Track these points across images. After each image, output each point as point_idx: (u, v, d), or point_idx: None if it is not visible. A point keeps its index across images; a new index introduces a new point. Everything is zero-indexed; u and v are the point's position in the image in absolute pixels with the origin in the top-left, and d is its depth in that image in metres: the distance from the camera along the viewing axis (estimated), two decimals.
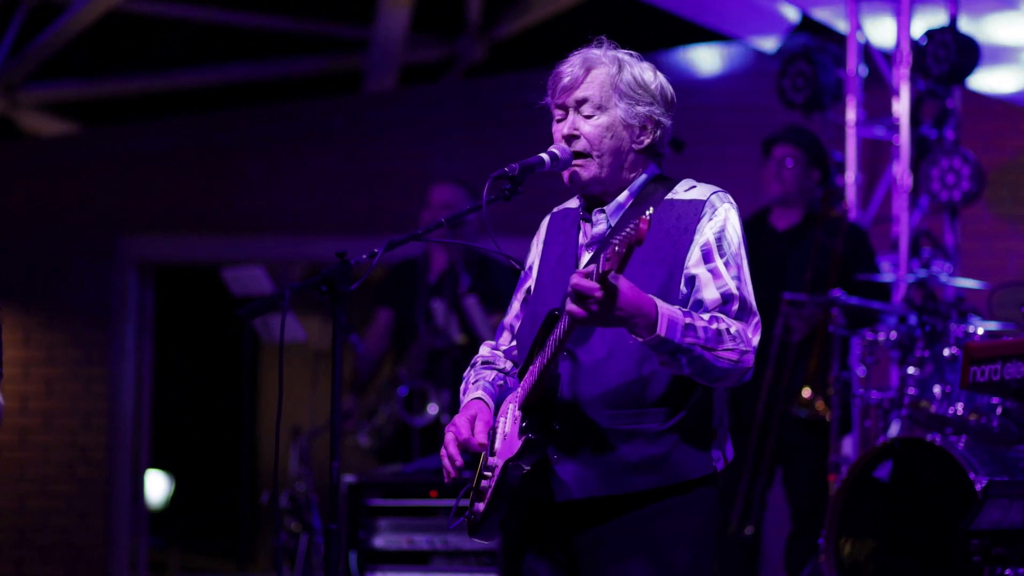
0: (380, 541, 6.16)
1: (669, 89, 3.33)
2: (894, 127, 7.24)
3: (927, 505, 5.26)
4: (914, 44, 7.11)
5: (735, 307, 3.18)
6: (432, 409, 6.95)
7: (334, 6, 10.44)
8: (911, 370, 5.68)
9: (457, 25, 10.17)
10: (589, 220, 3.34)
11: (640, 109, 3.28)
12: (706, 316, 3.13)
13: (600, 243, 3.30)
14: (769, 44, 8.51)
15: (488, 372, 3.46)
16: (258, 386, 11.09)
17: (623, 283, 2.97)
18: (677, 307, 3.11)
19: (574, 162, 3.29)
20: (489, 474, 3.29)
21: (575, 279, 2.97)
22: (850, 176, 7.23)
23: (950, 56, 6.94)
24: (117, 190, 9.04)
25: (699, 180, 3.32)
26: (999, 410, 5.33)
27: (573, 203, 3.44)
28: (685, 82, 8.41)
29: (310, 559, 6.80)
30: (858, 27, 7.35)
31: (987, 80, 7.99)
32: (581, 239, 3.35)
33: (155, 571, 9.90)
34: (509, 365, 3.48)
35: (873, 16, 7.41)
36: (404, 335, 7.18)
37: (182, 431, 11.11)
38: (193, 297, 10.59)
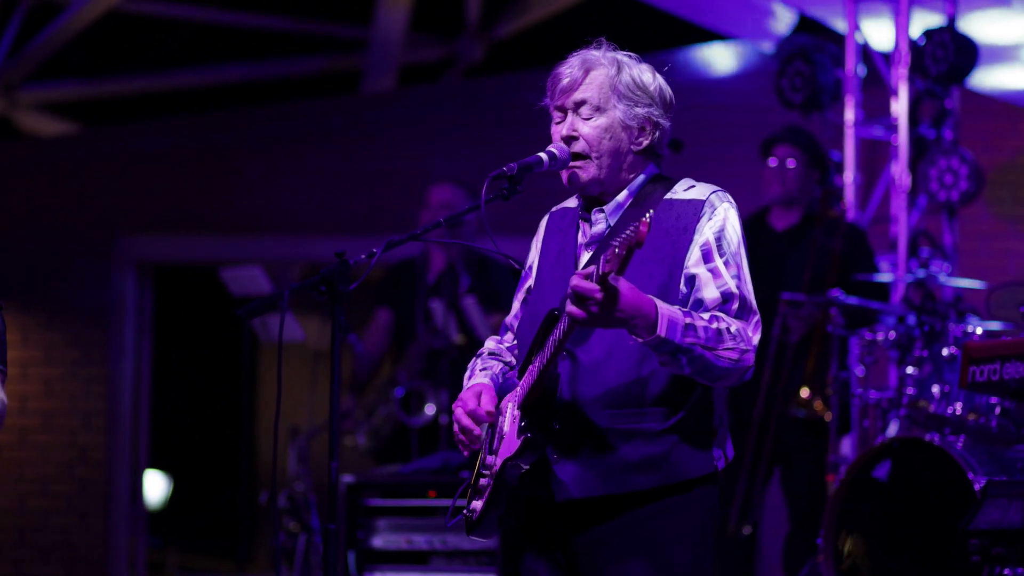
0: (379, 541, 6.16)
1: (668, 90, 3.33)
2: (892, 127, 7.24)
3: (926, 505, 5.26)
4: (912, 44, 7.11)
5: (735, 306, 3.18)
6: (430, 410, 6.95)
7: (333, 6, 10.44)
8: (910, 370, 5.68)
9: (456, 25, 10.17)
10: (588, 220, 3.34)
11: (639, 110, 3.28)
12: (706, 315, 3.13)
13: (599, 242, 3.30)
14: (767, 44, 8.51)
15: (494, 363, 3.47)
16: (257, 386, 11.08)
17: (623, 285, 2.97)
18: (677, 307, 3.11)
19: (572, 163, 3.29)
20: (487, 472, 3.29)
21: (575, 280, 2.97)
22: (848, 176, 7.24)
23: (948, 56, 6.94)
24: (116, 190, 9.04)
25: (701, 180, 3.33)
26: (998, 410, 5.33)
27: (572, 202, 3.44)
28: (686, 82, 8.40)
29: (308, 559, 6.80)
30: (856, 27, 7.35)
31: (990, 78, 7.98)
32: (580, 238, 3.35)
33: (154, 571, 9.90)
34: (514, 360, 3.48)
35: (871, 16, 7.41)
36: (403, 335, 7.18)
37: (181, 431, 11.10)
38: (192, 297, 10.59)
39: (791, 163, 6.40)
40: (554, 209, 3.49)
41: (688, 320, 3.08)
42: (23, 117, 10.63)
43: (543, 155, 3.28)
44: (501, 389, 3.38)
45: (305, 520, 6.91)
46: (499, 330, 3.58)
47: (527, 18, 9.96)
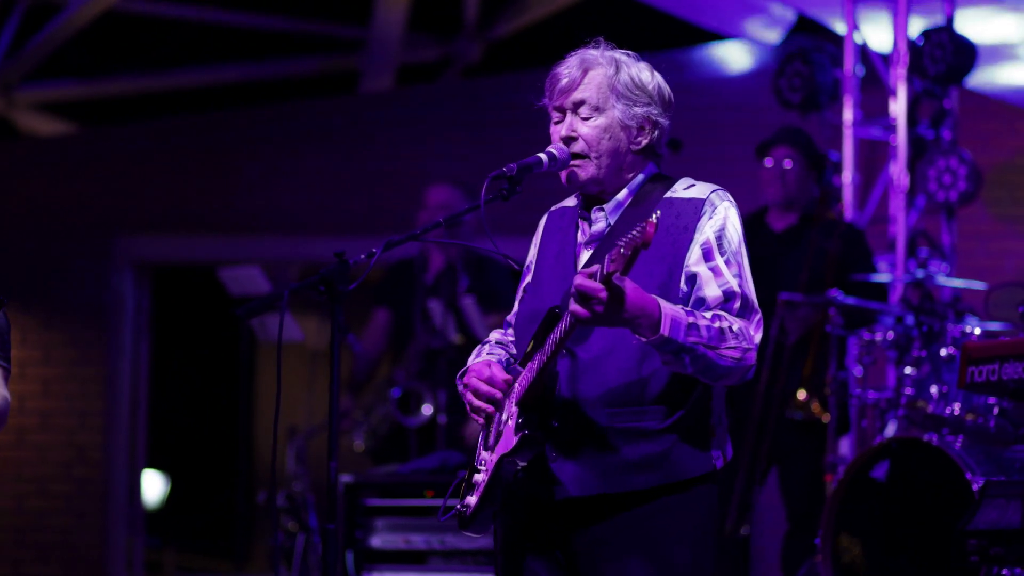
0: (377, 541, 6.16)
1: (667, 89, 3.33)
2: (891, 127, 7.24)
3: (924, 505, 5.26)
4: (911, 44, 7.11)
5: (737, 305, 3.18)
6: (426, 410, 6.95)
7: (331, 6, 10.44)
8: (908, 370, 5.68)
9: (454, 25, 10.17)
10: (588, 219, 3.34)
11: (638, 110, 3.28)
12: (708, 314, 3.13)
13: (600, 241, 3.30)
14: (766, 44, 8.51)
15: (500, 351, 3.47)
16: (255, 386, 11.08)
17: (628, 285, 2.98)
18: (680, 306, 3.11)
19: (572, 163, 3.29)
20: (483, 468, 3.29)
21: (579, 279, 2.97)
22: (847, 176, 7.24)
23: (947, 56, 6.94)
24: (114, 190, 9.03)
25: (700, 180, 3.33)
26: (996, 410, 5.34)
27: (571, 201, 3.44)
28: (685, 82, 8.40)
29: (307, 559, 6.80)
30: (855, 27, 7.35)
31: (988, 78, 7.99)
32: (580, 237, 3.35)
33: (151, 571, 9.90)
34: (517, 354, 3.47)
35: (870, 16, 7.42)
36: (401, 335, 7.18)
37: (179, 431, 11.10)
38: (190, 297, 10.59)
39: (788, 163, 6.40)
40: (553, 208, 3.48)
41: (691, 319, 3.08)
42: (21, 117, 10.62)
43: (543, 156, 3.28)
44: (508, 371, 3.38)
45: (303, 520, 6.91)
46: (501, 326, 3.58)
47: (525, 18, 9.96)
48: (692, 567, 3.23)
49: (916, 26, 7.17)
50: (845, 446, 6.51)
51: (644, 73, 3.31)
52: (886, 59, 7.38)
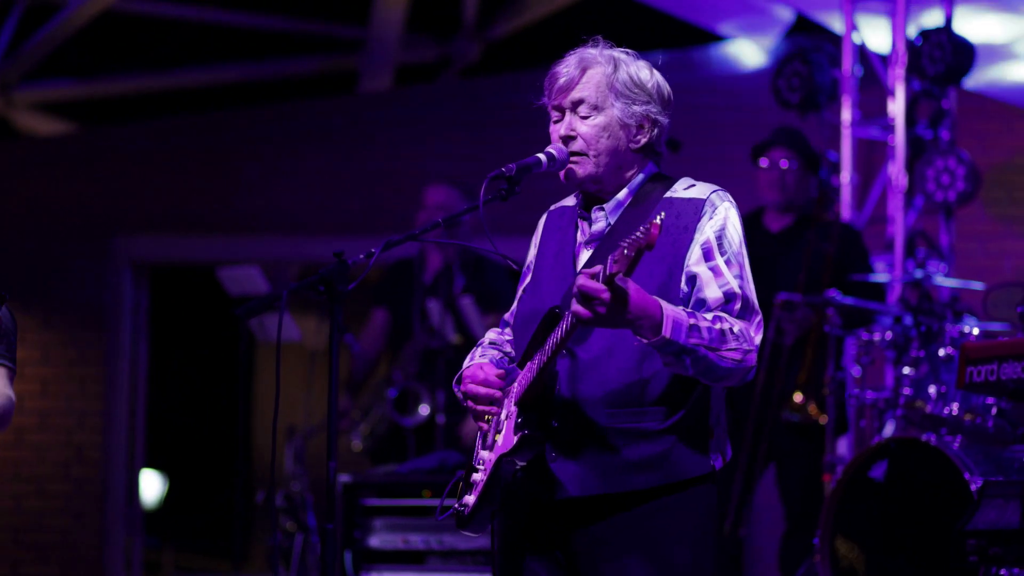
0: (375, 541, 6.16)
1: (666, 87, 3.32)
2: (889, 127, 7.25)
3: (922, 505, 5.27)
4: (909, 44, 7.12)
5: (737, 306, 3.18)
6: (424, 410, 6.95)
7: (330, 6, 10.44)
8: (906, 370, 5.68)
9: (453, 25, 10.17)
10: (587, 218, 3.34)
11: (637, 108, 3.28)
12: (709, 316, 3.13)
13: (600, 240, 3.30)
14: (765, 45, 8.51)
15: (495, 351, 3.47)
16: (253, 386, 11.08)
17: (631, 286, 2.97)
18: (681, 307, 3.11)
19: (570, 160, 3.29)
20: (481, 467, 3.29)
21: (582, 280, 2.97)
22: (845, 176, 7.24)
23: (945, 57, 6.95)
24: (113, 190, 9.03)
25: (700, 180, 3.32)
26: (994, 410, 5.34)
27: (570, 201, 3.44)
28: (684, 82, 8.39)
29: (305, 559, 6.80)
30: (854, 27, 7.35)
31: (986, 78, 7.99)
32: (579, 237, 3.35)
33: (150, 571, 9.90)
34: (514, 353, 3.47)
35: (868, 17, 7.42)
36: (399, 335, 7.18)
37: (177, 431, 11.09)
38: (189, 297, 10.58)
39: (784, 164, 6.40)
40: (552, 208, 3.48)
41: (692, 321, 3.08)
42: (20, 116, 10.62)
43: (542, 156, 3.28)
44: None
45: (302, 520, 6.91)
46: (498, 325, 3.58)
47: (524, 18, 9.96)
48: (692, 567, 3.23)
49: (915, 26, 7.18)
50: (843, 446, 6.52)
51: (643, 71, 3.30)
52: (884, 59, 7.39)
